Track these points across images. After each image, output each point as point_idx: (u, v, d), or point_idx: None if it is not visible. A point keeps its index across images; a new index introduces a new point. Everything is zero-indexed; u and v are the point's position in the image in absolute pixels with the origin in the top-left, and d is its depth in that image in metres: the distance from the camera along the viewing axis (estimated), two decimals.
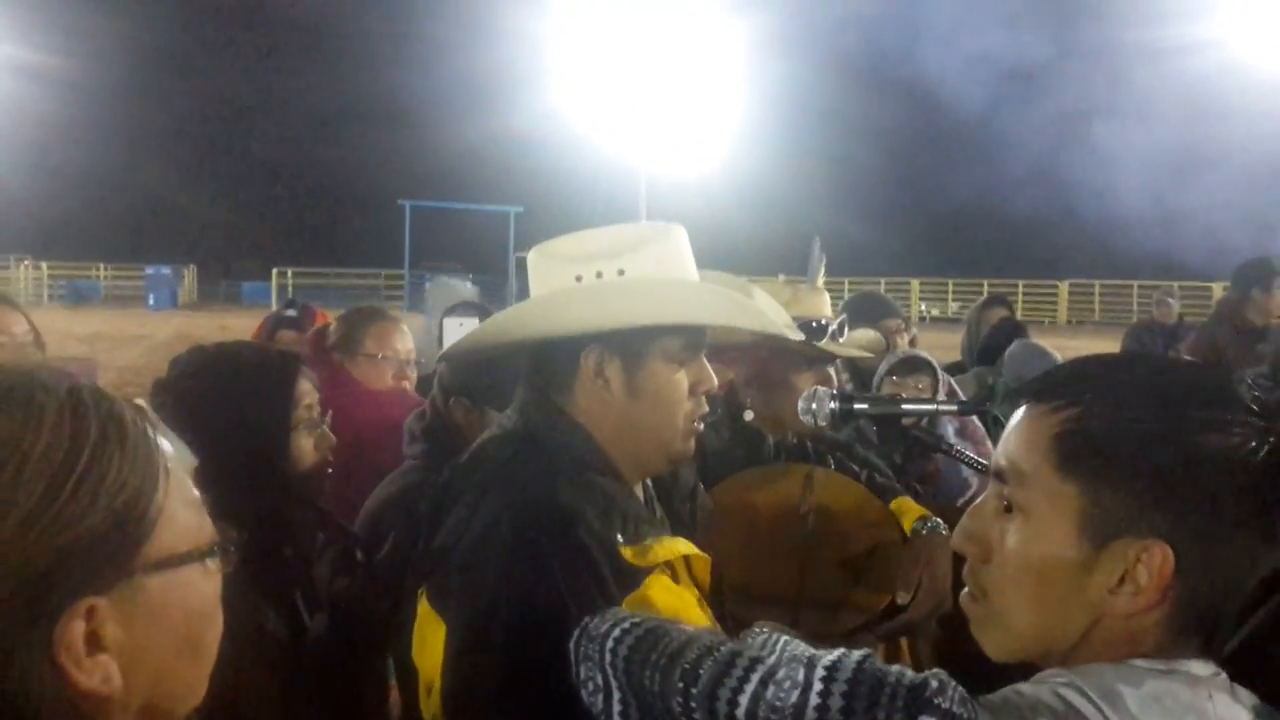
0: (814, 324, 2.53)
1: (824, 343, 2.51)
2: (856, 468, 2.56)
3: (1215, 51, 27.38)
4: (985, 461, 2.05)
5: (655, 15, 27.26)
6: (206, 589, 0.88)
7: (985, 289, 33.06)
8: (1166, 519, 1.01)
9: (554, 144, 34.56)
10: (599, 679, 1.28)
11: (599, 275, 1.63)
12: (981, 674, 1.07)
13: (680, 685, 1.15)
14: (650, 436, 1.67)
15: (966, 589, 1.14)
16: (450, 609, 1.56)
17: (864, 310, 4.20)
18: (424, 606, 1.61)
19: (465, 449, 2.34)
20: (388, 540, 2.05)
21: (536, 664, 1.42)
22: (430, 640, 1.58)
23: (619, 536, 1.52)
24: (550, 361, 1.67)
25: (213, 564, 0.89)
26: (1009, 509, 1.09)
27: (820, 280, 2.75)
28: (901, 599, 2.18)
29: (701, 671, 1.13)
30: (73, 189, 50.61)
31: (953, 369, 5.14)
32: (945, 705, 0.98)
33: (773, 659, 1.10)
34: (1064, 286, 36.07)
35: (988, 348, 5.24)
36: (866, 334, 2.97)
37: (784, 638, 1.17)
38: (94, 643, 0.79)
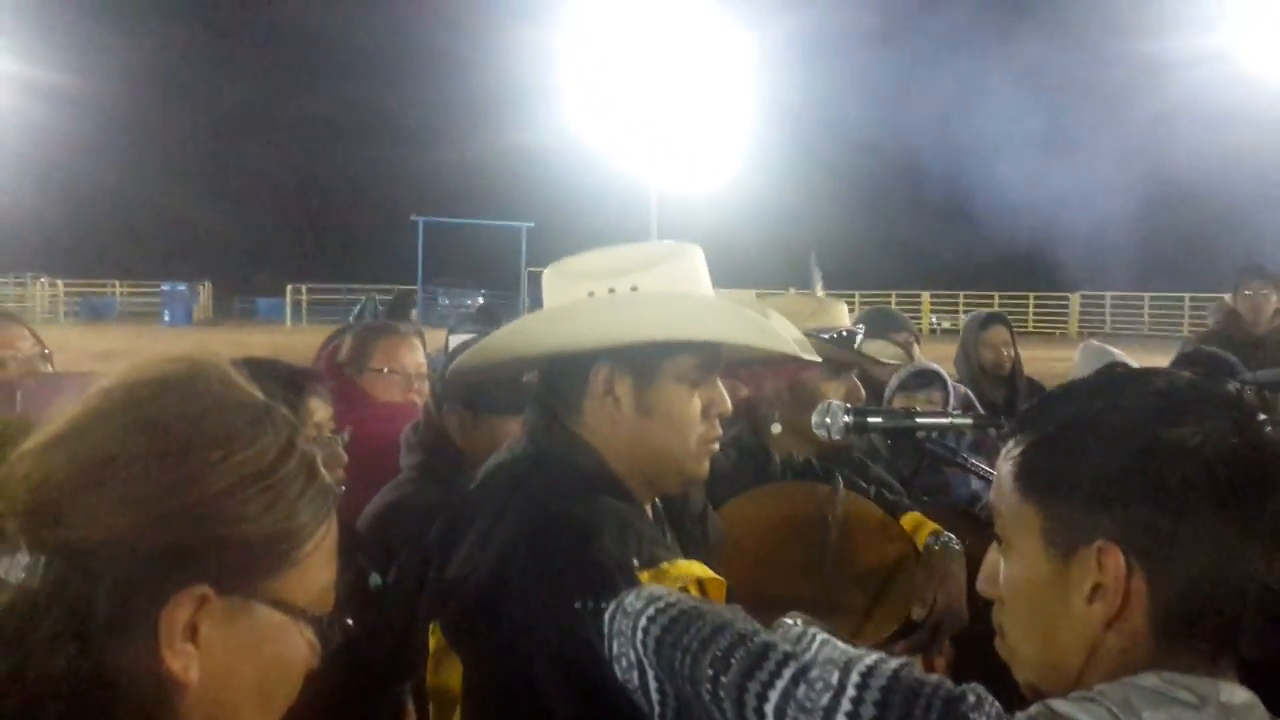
0: (841, 334, 2.55)
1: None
2: (865, 484, 2.55)
3: (1225, 62, 27.42)
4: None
5: (665, 32, 27.35)
6: (303, 650, 0.93)
7: (996, 301, 33.08)
8: (1114, 519, 1.01)
9: (565, 160, 34.69)
10: (631, 655, 1.26)
11: (611, 291, 1.59)
12: (996, 695, 1.05)
13: (710, 673, 1.12)
14: (662, 456, 1.63)
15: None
16: (468, 646, 1.54)
17: (872, 325, 4.22)
18: (437, 639, 1.58)
19: (460, 457, 2.35)
20: (390, 555, 2.03)
21: (563, 700, 1.40)
22: (446, 674, 1.56)
23: (635, 560, 1.48)
24: (560, 378, 1.64)
25: (310, 634, 0.93)
26: (1001, 544, 1.12)
27: (819, 290, 2.79)
28: (917, 614, 2.14)
29: (733, 661, 1.11)
30: (89, 207, 50.91)
31: None
32: None
33: (807, 657, 1.07)
34: (1075, 298, 35.97)
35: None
36: (886, 347, 3.00)
37: (820, 635, 1.13)
38: (189, 634, 0.84)
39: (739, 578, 1.69)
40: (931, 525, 2.35)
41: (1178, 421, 1.01)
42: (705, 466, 1.68)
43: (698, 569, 1.57)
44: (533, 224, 34.11)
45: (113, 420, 0.87)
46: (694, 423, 1.63)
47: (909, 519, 2.37)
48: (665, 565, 1.52)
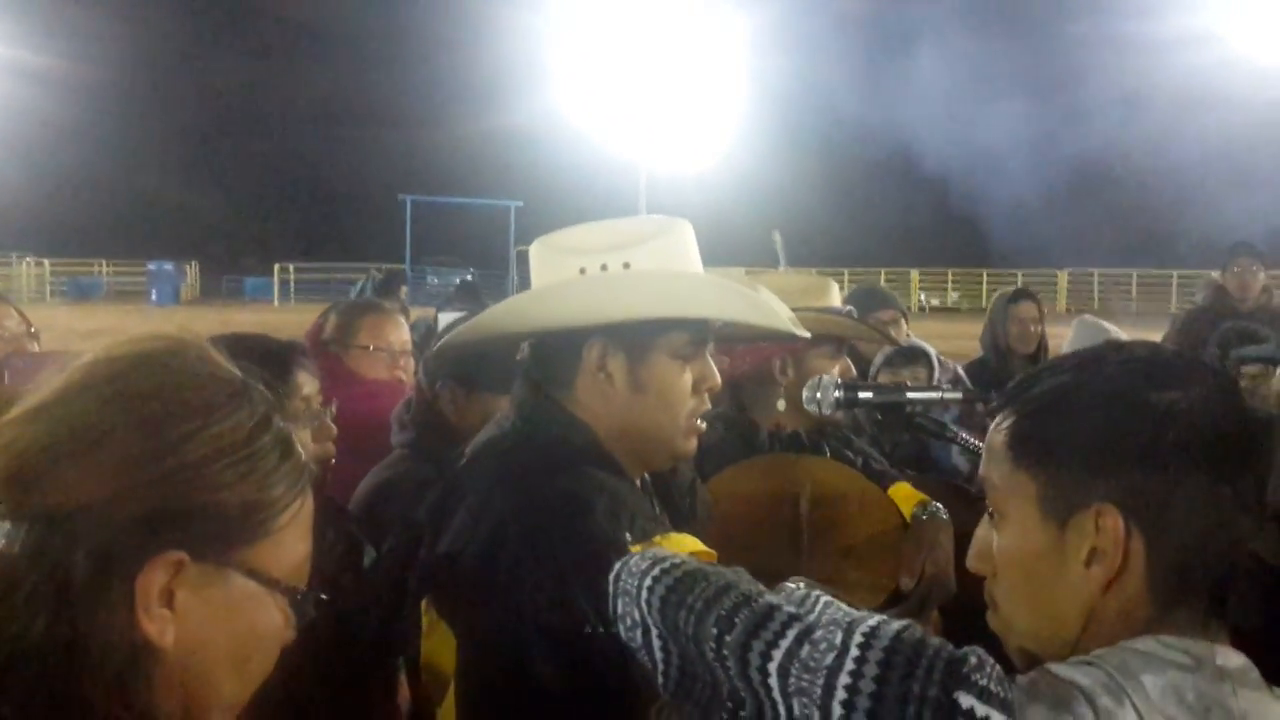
0: (842, 312, 2.59)
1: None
2: (852, 455, 2.56)
3: (1213, 44, 27.49)
4: None
5: (654, 10, 27.21)
6: (278, 621, 0.95)
7: (985, 278, 33.15)
8: (1109, 483, 1.03)
9: (554, 139, 34.53)
10: (635, 615, 1.27)
11: (603, 268, 1.59)
12: None
13: (714, 632, 1.13)
14: (652, 432, 1.64)
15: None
16: (460, 620, 1.55)
17: (860, 303, 4.23)
18: (430, 615, 1.60)
19: (453, 434, 2.36)
20: (384, 533, 2.04)
21: (554, 675, 1.41)
22: (439, 649, 1.57)
23: (627, 535, 1.49)
24: (551, 354, 1.64)
25: (285, 605, 0.94)
26: (992, 517, 1.13)
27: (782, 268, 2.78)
28: (905, 585, 2.16)
29: (737, 621, 1.11)
30: (75, 186, 50.59)
31: (976, 366, 4.98)
32: (983, 682, 0.96)
33: (811, 618, 1.08)
34: (1063, 275, 36.05)
35: None
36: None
37: (824, 597, 1.14)
38: (165, 599, 0.87)
39: (725, 551, 1.69)
40: (919, 495, 2.35)
41: (1164, 386, 1.04)
42: (694, 443, 1.69)
43: (689, 542, 1.58)
44: (521, 203, 34.09)
45: (93, 392, 0.89)
46: (685, 398, 1.64)
47: (897, 489, 2.37)
48: (657, 539, 1.53)
